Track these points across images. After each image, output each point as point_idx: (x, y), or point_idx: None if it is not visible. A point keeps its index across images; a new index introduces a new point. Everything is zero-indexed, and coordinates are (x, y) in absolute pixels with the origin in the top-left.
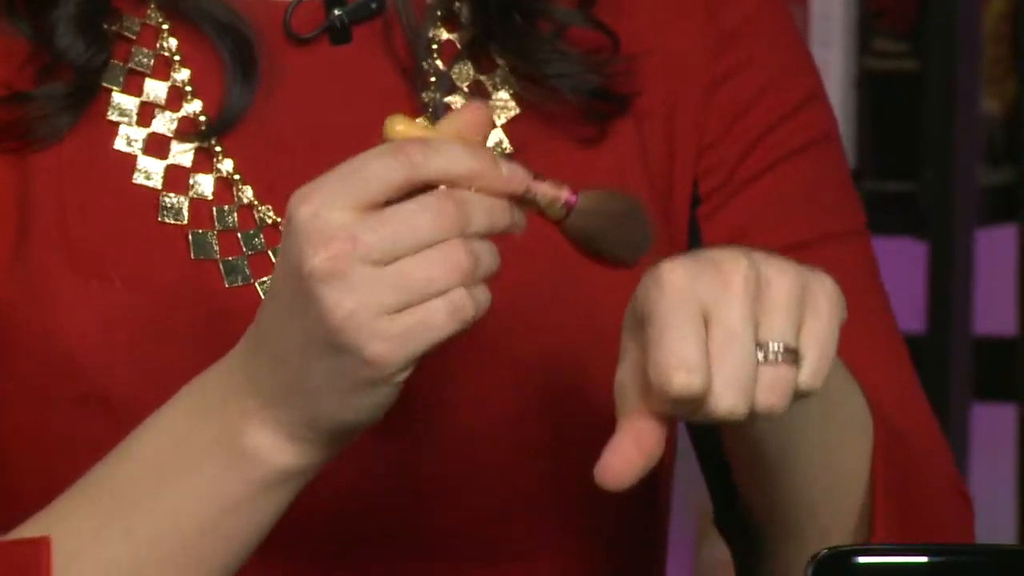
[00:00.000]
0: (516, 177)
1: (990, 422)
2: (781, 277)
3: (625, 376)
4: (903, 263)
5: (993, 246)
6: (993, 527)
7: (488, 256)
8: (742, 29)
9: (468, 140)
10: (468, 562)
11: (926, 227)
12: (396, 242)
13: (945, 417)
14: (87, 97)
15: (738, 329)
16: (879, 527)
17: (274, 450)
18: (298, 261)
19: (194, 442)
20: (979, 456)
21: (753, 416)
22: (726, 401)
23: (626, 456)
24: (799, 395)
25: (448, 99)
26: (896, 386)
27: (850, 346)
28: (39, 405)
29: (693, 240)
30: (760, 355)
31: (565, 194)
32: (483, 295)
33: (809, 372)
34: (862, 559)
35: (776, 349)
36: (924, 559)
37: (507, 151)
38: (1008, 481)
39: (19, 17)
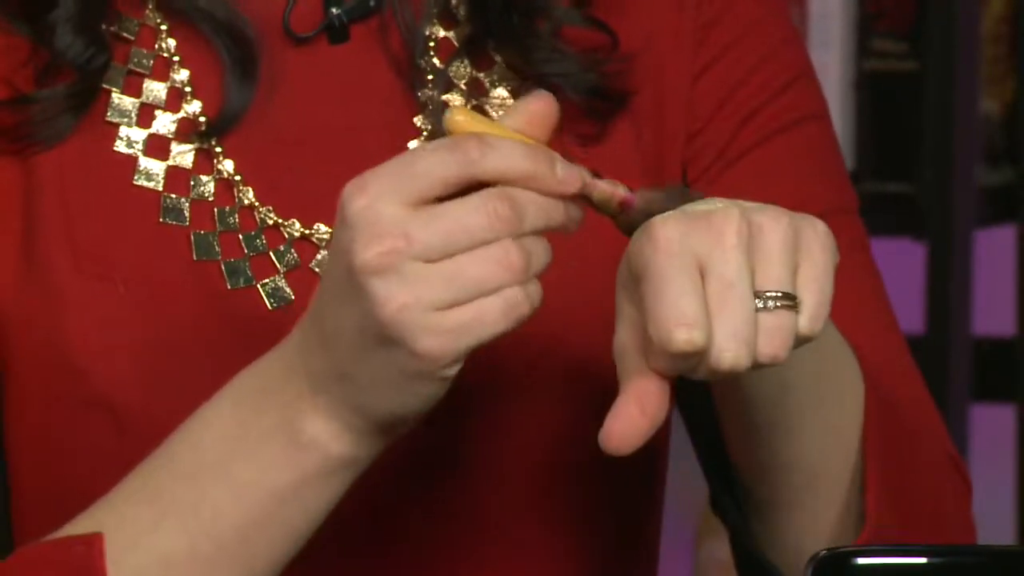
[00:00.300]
0: (571, 179)
1: (989, 423)
2: (774, 224)
3: (624, 337)
4: (902, 264)
5: (992, 247)
6: (993, 528)
7: (541, 253)
8: (723, 16)
9: (528, 135)
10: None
11: (925, 228)
12: (449, 241)
13: (944, 418)
14: (88, 99)
15: (734, 279)
16: (871, 488)
17: (330, 438)
18: (350, 253)
19: (249, 431)
20: (978, 457)
21: (756, 366)
22: (729, 353)
23: (630, 419)
24: (800, 341)
25: (445, 96)
26: (888, 356)
27: (842, 318)
28: (45, 408)
29: None
30: (759, 303)
31: (621, 192)
32: (536, 292)
33: (808, 316)
34: (862, 560)
35: (774, 296)
36: (924, 560)
37: None
38: (1008, 481)
39: (18, 18)
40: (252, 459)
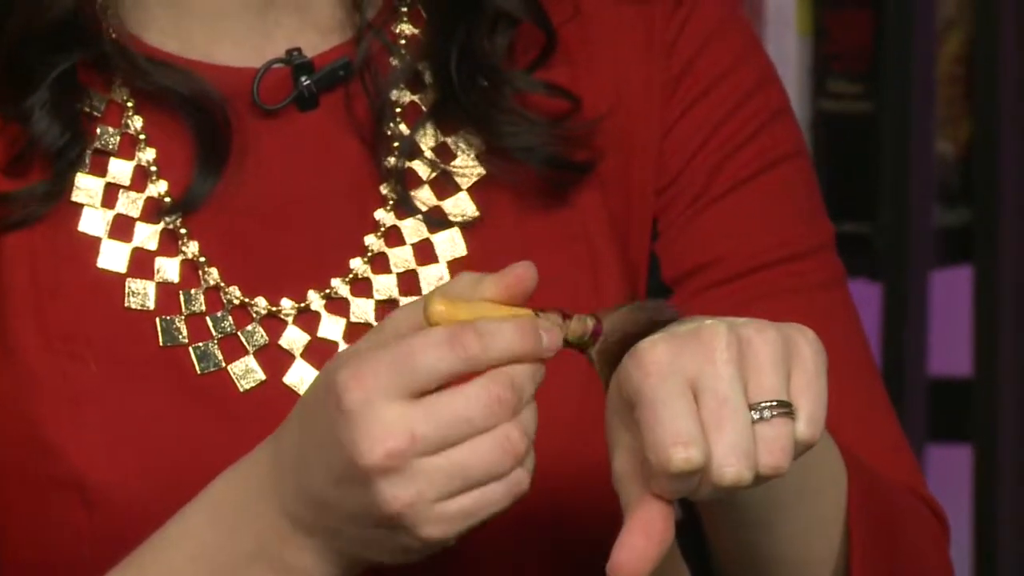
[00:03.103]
0: (555, 342)
1: (945, 463)
2: (762, 336)
3: (622, 465)
4: (858, 304)
5: (948, 287)
6: None
7: (534, 420)
8: (693, 65)
9: (506, 304)
10: None
11: (881, 268)
12: (452, 433)
13: None
14: (63, 189)
15: (728, 394)
16: (856, 570)
17: (312, 569)
18: (354, 453)
19: (227, 557)
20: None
21: (759, 479)
22: (731, 468)
23: (636, 549)
24: (800, 447)
25: (409, 164)
26: (861, 398)
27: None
28: (15, 485)
29: (652, 274)
30: (755, 415)
31: (591, 326)
32: (532, 459)
33: (806, 421)
34: None
35: (769, 406)
36: None
37: (473, 216)
38: (964, 522)
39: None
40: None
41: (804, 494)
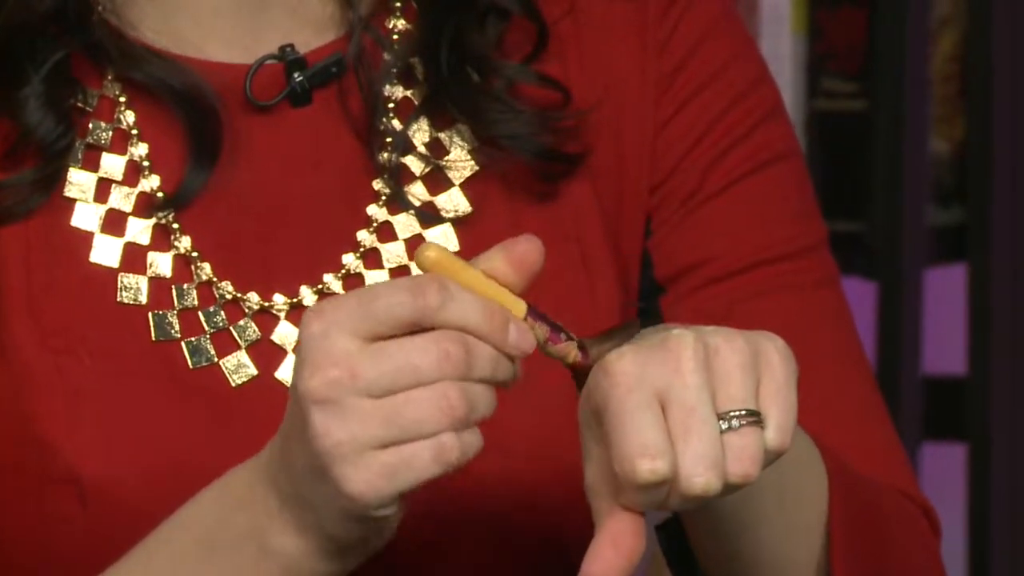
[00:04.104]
0: (523, 344)
1: (940, 461)
2: (729, 344)
3: (592, 477)
4: (852, 303)
5: (942, 286)
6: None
7: (484, 402)
8: (688, 61)
9: (505, 280)
10: None
11: (875, 267)
12: (396, 380)
13: None
14: (53, 180)
15: (695, 404)
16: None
17: (300, 554)
18: (298, 378)
19: (226, 534)
20: (928, 496)
21: (728, 488)
22: (699, 479)
23: (607, 561)
24: (770, 456)
25: (403, 160)
26: (853, 396)
27: (808, 358)
28: (10, 481)
29: (645, 273)
30: (723, 425)
31: (574, 353)
32: (473, 438)
33: (775, 430)
34: None
35: (738, 415)
36: None
37: (466, 211)
38: (958, 520)
39: None
40: (224, 566)
41: (784, 501)
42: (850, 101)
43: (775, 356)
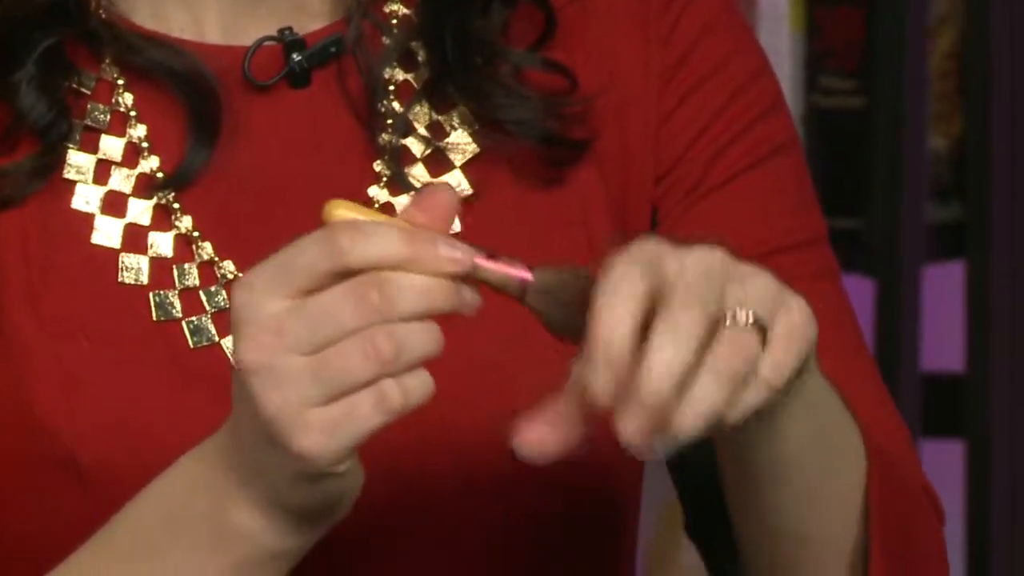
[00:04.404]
0: (456, 259)
1: (938, 458)
2: (762, 273)
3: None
4: (851, 299)
5: (940, 283)
6: None
7: (419, 340)
8: (690, 54)
9: (412, 223)
10: None
11: (874, 264)
12: (318, 331)
13: None
14: (52, 165)
15: (698, 283)
16: (875, 559)
17: (258, 529)
18: (235, 351)
19: (187, 514)
20: None
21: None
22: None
23: (540, 432)
24: (766, 386)
25: (403, 141)
26: (859, 385)
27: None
28: (16, 469)
29: None
30: (728, 318)
31: (518, 273)
32: (417, 381)
33: (771, 367)
34: None
35: (744, 315)
36: None
37: (467, 192)
38: (956, 517)
39: None
40: (183, 544)
41: (821, 470)
42: (849, 98)
43: (796, 305)
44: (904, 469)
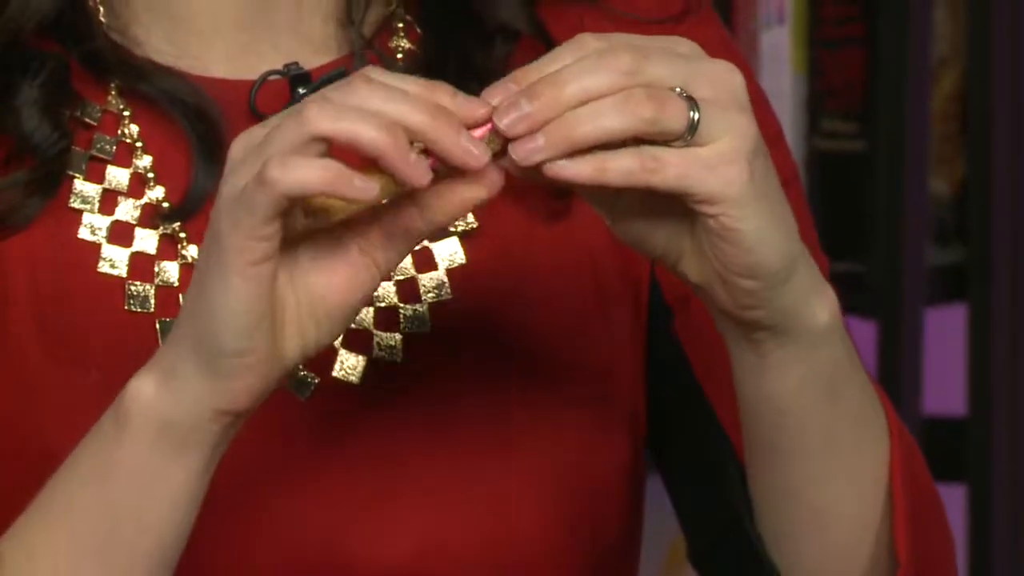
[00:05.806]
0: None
1: None
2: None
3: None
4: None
5: (942, 326)
6: None
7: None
8: None
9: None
10: None
11: (875, 307)
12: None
13: None
14: (53, 183)
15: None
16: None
17: (150, 397)
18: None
19: (100, 423)
20: None
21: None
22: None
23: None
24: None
25: None
26: None
27: None
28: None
29: (654, 294)
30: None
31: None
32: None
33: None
34: None
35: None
36: None
37: (472, 226)
38: (959, 561)
39: None
40: (93, 444)
41: (832, 438)
42: (850, 141)
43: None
44: (921, 459)
